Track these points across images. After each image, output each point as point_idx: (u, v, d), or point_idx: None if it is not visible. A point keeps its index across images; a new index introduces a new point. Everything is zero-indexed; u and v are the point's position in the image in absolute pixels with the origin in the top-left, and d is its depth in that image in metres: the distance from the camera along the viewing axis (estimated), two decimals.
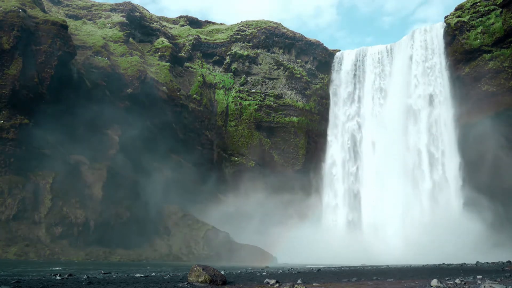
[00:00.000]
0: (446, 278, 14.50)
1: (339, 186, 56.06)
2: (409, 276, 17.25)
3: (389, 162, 50.65)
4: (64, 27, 44.80)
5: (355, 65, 59.69)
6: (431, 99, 51.23)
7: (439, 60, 51.47)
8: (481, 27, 47.37)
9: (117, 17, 58.30)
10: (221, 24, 69.46)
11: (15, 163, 39.51)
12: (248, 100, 60.19)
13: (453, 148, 48.56)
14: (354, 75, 59.28)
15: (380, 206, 50.27)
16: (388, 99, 54.90)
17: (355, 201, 54.27)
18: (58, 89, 42.91)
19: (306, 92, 61.93)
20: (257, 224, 49.22)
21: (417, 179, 49.38)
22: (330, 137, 58.94)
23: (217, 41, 62.44)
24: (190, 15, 69.93)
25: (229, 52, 61.07)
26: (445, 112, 49.99)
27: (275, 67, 61.68)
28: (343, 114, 58.74)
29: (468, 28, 48.47)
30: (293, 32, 63.72)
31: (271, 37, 62.16)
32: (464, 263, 28.79)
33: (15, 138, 39.55)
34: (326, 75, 63.06)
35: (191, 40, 61.15)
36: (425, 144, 50.17)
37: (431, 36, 52.91)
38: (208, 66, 61.61)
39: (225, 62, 61.17)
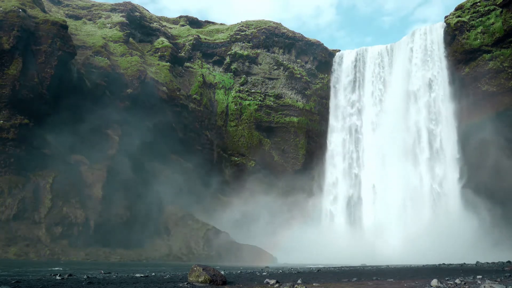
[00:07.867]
0: (446, 278, 14.50)
1: (339, 186, 56.08)
2: (409, 276, 17.25)
3: (389, 164, 50.70)
4: (64, 27, 44.78)
5: (355, 65, 59.70)
6: (431, 99, 51.23)
7: (439, 60, 51.47)
8: (481, 27, 47.34)
9: (117, 17, 58.27)
10: (221, 24, 69.43)
11: (15, 163, 39.47)
12: (248, 100, 60.18)
13: (453, 148, 48.59)
14: (354, 75, 59.29)
15: (380, 207, 50.33)
16: (388, 99, 54.92)
17: (355, 201, 54.28)
18: (58, 89, 42.89)
19: (306, 92, 61.92)
20: (256, 224, 49.21)
21: (417, 180, 49.42)
22: (330, 137, 58.96)
23: (217, 41, 62.42)
24: (190, 15, 69.93)
25: (229, 52, 61.06)
26: (445, 112, 50.00)
27: (275, 67, 61.66)
28: (343, 114, 58.76)
29: (468, 28, 48.45)
30: (293, 32, 63.70)
31: (271, 37, 62.15)
32: (464, 263, 28.80)
33: (15, 138, 39.51)
34: (326, 75, 63.06)
35: (191, 40, 61.13)
36: (425, 145, 50.18)
37: (431, 36, 52.91)
38: (208, 66, 61.59)
39: (225, 62, 61.15)
